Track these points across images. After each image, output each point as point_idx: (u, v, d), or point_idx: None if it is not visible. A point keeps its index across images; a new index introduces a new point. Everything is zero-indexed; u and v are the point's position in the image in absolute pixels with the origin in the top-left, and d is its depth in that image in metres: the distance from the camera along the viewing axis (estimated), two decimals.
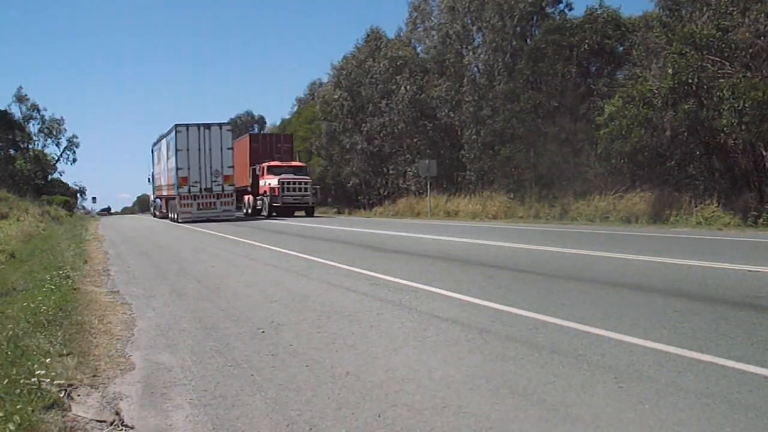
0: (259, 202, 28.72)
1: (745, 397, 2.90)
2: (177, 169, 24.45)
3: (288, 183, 26.93)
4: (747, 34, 14.82)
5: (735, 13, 15.34)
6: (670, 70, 15.66)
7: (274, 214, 27.18)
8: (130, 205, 79.26)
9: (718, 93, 14.77)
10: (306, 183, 27.56)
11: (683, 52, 15.38)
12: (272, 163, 28.79)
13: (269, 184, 27.17)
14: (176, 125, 25.05)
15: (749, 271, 6.81)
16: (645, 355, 3.63)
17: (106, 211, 71.55)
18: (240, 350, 4.12)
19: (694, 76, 15.04)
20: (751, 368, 3.28)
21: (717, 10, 15.74)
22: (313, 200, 28.32)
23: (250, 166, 30.29)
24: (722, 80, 14.93)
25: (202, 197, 24.65)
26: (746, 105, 13.87)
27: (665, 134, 17.12)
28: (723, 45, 15.17)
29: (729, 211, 15.27)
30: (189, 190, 24.48)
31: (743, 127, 14.07)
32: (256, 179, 29.26)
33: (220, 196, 24.90)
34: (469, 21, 27.62)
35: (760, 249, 9.81)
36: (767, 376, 3.18)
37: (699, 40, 15.22)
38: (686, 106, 15.31)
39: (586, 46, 22.17)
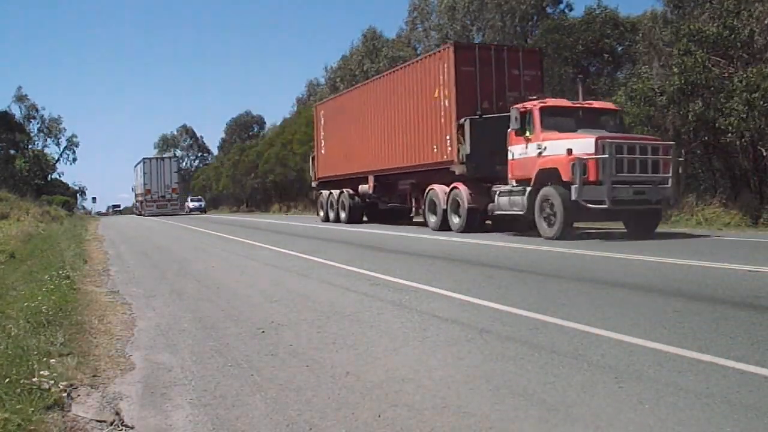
0: (504, 200, 12.67)
1: (745, 397, 2.90)
2: (144, 184, 41.52)
3: (624, 149, 10.98)
4: (757, 30, 14.76)
5: (742, 11, 15.27)
6: (675, 69, 15.61)
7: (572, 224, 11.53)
8: (130, 205, 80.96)
9: (726, 90, 14.67)
10: (660, 151, 11.33)
11: (690, 50, 15.32)
12: (559, 103, 12.84)
13: (568, 151, 11.01)
14: (144, 158, 43.58)
15: (749, 271, 6.80)
16: (645, 355, 3.63)
17: (113, 210, 71.49)
18: (240, 350, 4.12)
19: (702, 77, 14.97)
20: (751, 368, 3.28)
21: (725, 8, 15.67)
22: (676, 192, 11.55)
23: (458, 119, 14.02)
24: (727, 81, 14.87)
25: (159, 201, 41.32)
26: (758, 95, 13.78)
27: (668, 134, 17.09)
28: (728, 43, 15.12)
29: (729, 211, 15.26)
30: (152, 196, 41.22)
31: (751, 120, 13.94)
32: (489, 143, 13.22)
33: (170, 200, 41.86)
34: (468, 21, 27.62)
35: (760, 249, 9.81)
36: (767, 376, 3.18)
37: (705, 39, 15.16)
38: (696, 108, 15.22)
39: (580, 46, 22.20)
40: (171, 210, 41.02)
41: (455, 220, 14.13)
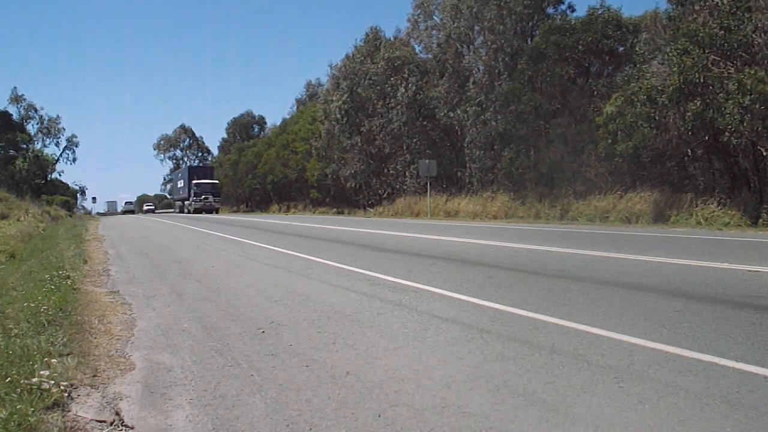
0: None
1: (745, 397, 2.90)
2: (108, 204, 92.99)
3: None
4: (754, 33, 14.76)
5: (738, 12, 15.26)
6: (675, 69, 15.61)
7: None
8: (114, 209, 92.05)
9: (721, 93, 14.69)
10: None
11: (688, 49, 15.32)
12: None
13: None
14: (107, 201, 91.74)
15: (749, 271, 6.80)
16: (645, 355, 3.63)
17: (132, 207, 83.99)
18: (240, 350, 4.12)
19: (700, 76, 14.98)
20: (751, 368, 3.28)
21: (721, 9, 15.67)
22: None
23: None
24: (726, 81, 14.87)
25: (125, 208, 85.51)
26: (752, 99, 13.79)
27: (670, 134, 17.08)
28: (725, 44, 15.13)
29: (729, 211, 15.27)
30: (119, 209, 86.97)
31: (746, 123, 13.97)
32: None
33: (131, 208, 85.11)
34: (470, 21, 27.56)
35: (760, 249, 9.80)
36: (767, 376, 3.18)
37: (702, 39, 15.17)
38: (693, 107, 15.21)
39: (580, 46, 22.15)
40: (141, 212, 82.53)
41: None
